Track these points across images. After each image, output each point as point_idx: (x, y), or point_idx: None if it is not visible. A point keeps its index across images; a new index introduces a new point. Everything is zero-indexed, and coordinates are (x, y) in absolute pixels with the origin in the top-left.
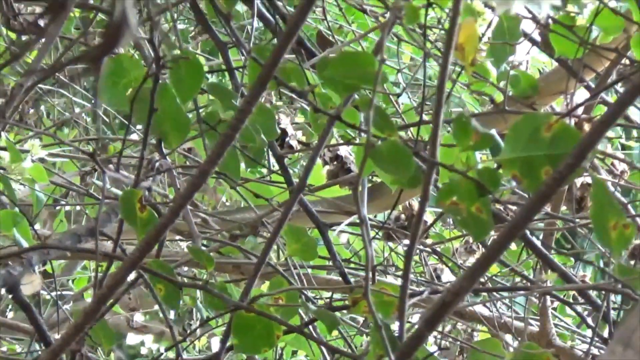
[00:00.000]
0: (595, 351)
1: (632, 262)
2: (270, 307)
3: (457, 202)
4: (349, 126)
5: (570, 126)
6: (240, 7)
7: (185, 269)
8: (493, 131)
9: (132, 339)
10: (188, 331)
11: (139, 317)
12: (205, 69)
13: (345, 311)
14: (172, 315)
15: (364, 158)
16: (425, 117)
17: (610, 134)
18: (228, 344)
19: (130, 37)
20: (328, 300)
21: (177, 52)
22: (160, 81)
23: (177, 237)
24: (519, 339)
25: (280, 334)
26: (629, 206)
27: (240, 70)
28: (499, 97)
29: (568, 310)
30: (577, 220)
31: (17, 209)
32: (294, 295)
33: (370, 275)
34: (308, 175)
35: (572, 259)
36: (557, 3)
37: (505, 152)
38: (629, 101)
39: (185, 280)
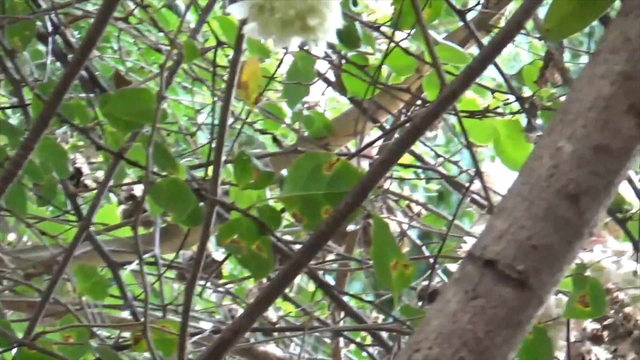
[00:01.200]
0: None
1: (420, 303)
2: (54, 345)
3: (237, 240)
4: (131, 164)
5: (351, 165)
6: (43, 47)
7: None
8: (284, 171)
9: None
10: None
11: None
12: None
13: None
14: None
15: (143, 194)
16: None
17: (409, 174)
18: None
19: None
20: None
21: None
22: None
23: None
24: None
25: None
26: (424, 248)
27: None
28: (293, 138)
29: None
30: (369, 261)
31: None
32: (83, 333)
33: (162, 313)
34: (94, 211)
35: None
36: (334, 40)
37: (285, 191)
38: (409, 142)
39: None
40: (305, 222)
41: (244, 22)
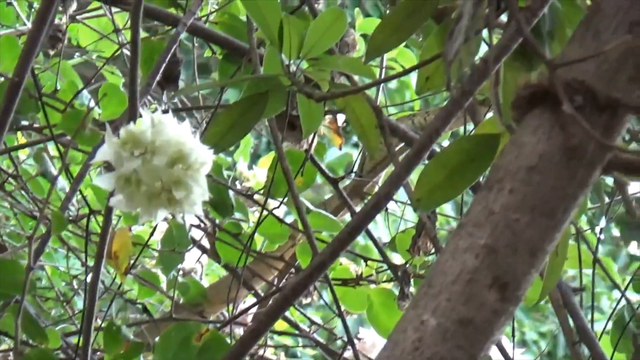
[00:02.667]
0: None
1: None
2: None
3: None
4: (0, 334)
5: (220, 335)
6: None
7: None
8: (157, 339)
9: None
10: None
11: None
12: None
13: None
14: None
15: None
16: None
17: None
18: None
19: None
20: None
21: None
22: None
23: None
24: None
25: None
26: None
27: None
28: (168, 305)
29: None
30: None
31: None
32: None
33: None
34: None
35: None
36: (200, 213)
37: None
38: (279, 311)
39: None
40: None
41: (111, 194)
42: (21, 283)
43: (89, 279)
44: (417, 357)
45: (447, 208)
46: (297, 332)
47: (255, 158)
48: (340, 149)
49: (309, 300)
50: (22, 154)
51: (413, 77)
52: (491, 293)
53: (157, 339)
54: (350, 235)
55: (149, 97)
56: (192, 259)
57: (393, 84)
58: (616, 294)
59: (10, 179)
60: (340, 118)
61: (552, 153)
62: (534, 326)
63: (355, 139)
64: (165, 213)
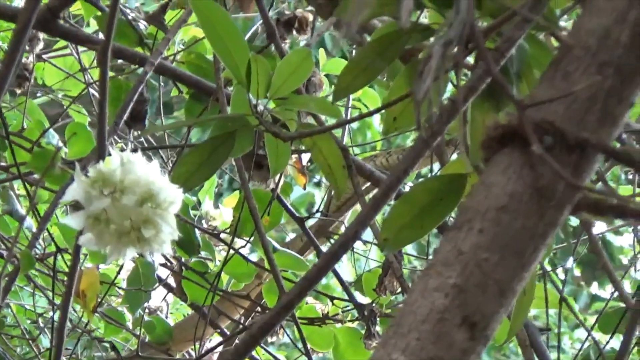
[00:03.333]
0: None
1: None
2: None
3: None
4: None
5: None
6: None
7: None
8: None
9: None
10: None
11: None
12: None
13: None
14: None
15: None
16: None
17: None
18: None
19: None
20: None
21: None
22: None
23: None
24: None
25: None
26: None
27: None
28: (134, 343)
29: None
30: None
31: None
32: None
33: None
34: None
35: None
36: (168, 252)
37: None
38: (246, 350)
39: None
40: None
41: (80, 232)
42: None
43: (55, 317)
44: None
45: (409, 247)
46: None
47: (218, 197)
48: (304, 188)
49: (274, 338)
50: None
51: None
52: (460, 332)
53: None
54: (317, 274)
55: (115, 136)
56: (158, 297)
57: (355, 124)
58: (578, 333)
59: None
60: (304, 157)
61: (521, 193)
62: None
63: (317, 177)
64: (134, 252)
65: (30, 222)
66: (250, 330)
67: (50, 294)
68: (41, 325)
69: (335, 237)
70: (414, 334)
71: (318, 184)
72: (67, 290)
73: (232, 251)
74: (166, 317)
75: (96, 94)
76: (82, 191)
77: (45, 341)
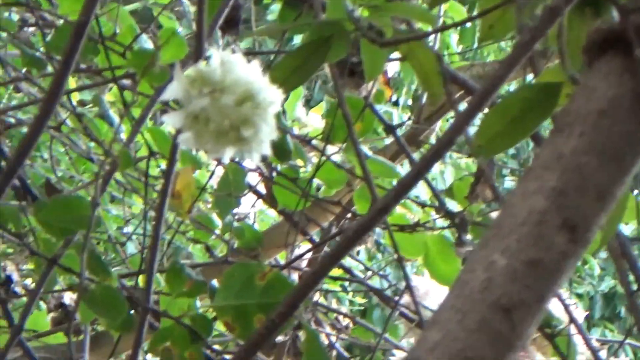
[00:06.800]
0: None
1: None
2: None
3: (170, 348)
4: (65, 270)
5: (283, 276)
6: None
7: None
8: (214, 281)
9: None
10: None
11: None
12: None
13: None
14: None
15: (77, 300)
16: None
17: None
18: None
19: None
20: None
21: None
22: None
23: None
24: None
25: None
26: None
27: None
28: (223, 249)
29: None
30: None
31: None
32: None
33: None
34: (26, 317)
35: None
36: (268, 152)
37: (218, 299)
38: (340, 255)
39: None
40: (237, 331)
41: (178, 132)
42: (86, 219)
43: (147, 220)
44: (486, 296)
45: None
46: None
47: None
48: (389, 100)
49: (360, 247)
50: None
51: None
52: (560, 235)
53: (213, 281)
54: (414, 178)
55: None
56: (247, 204)
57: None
58: None
59: (67, 121)
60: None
61: (622, 98)
62: (572, 288)
63: (394, 98)
64: (233, 151)
65: (121, 127)
66: (346, 232)
67: (137, 199)
68: (128, 231)
69: (426, 146)
70: (513, 236)
71: (395, 104)
72: (163, 189)
73: (324, 158)
74: (253, 223)
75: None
76: (181, 90)
77: (130, 247)
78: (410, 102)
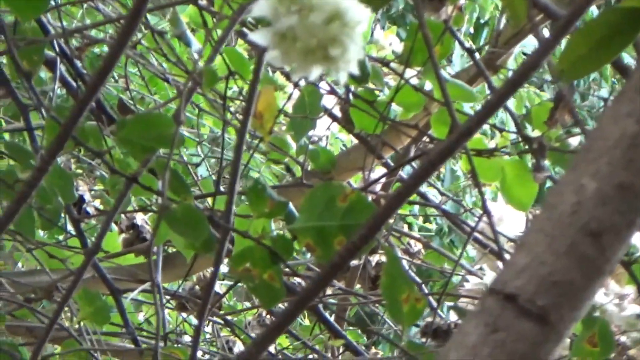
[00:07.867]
0: None
1: (423, 340)
2: None
3: (250, 269)
4: (145, 189)
5: (365, 198)
6: (44, 74)
7: None
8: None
9: None
10: None
11: None
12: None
13: None
14: None
15: (158, 219)
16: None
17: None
18: None
19: None
20: None
21: None
22: None
23: None
24: None
25: None
26: (423, 286)
27: (41, 131)
28: (298, 171)
29: None
30: (371, 297)
31: None
32: (84, 356)
33: (162, 342)
34: (102, 237)
35: (364, 337)
36: (355, 71)
37: (299, 221)
38: (424, 177)
39: None
40: (318, 253)
41: (263, 51)
42: (168, 137)
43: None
44: (575, 220)
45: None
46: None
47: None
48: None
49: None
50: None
51: None
52: None
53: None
54: (498, 101)
55: None
56: (322, 127)
57: None
58: None
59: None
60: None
61: None
62: None
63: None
64: (320, 70)
65: (198, 47)
66: (428, 156)
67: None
68: (200, 155)
69: (503, 70)
70: (604, 159)
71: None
72: (246, 108)
73: (402, 81)
74: (326, 146)
75: None
76: (269, 8)
77: (201, 170)
78: (472, 30)
